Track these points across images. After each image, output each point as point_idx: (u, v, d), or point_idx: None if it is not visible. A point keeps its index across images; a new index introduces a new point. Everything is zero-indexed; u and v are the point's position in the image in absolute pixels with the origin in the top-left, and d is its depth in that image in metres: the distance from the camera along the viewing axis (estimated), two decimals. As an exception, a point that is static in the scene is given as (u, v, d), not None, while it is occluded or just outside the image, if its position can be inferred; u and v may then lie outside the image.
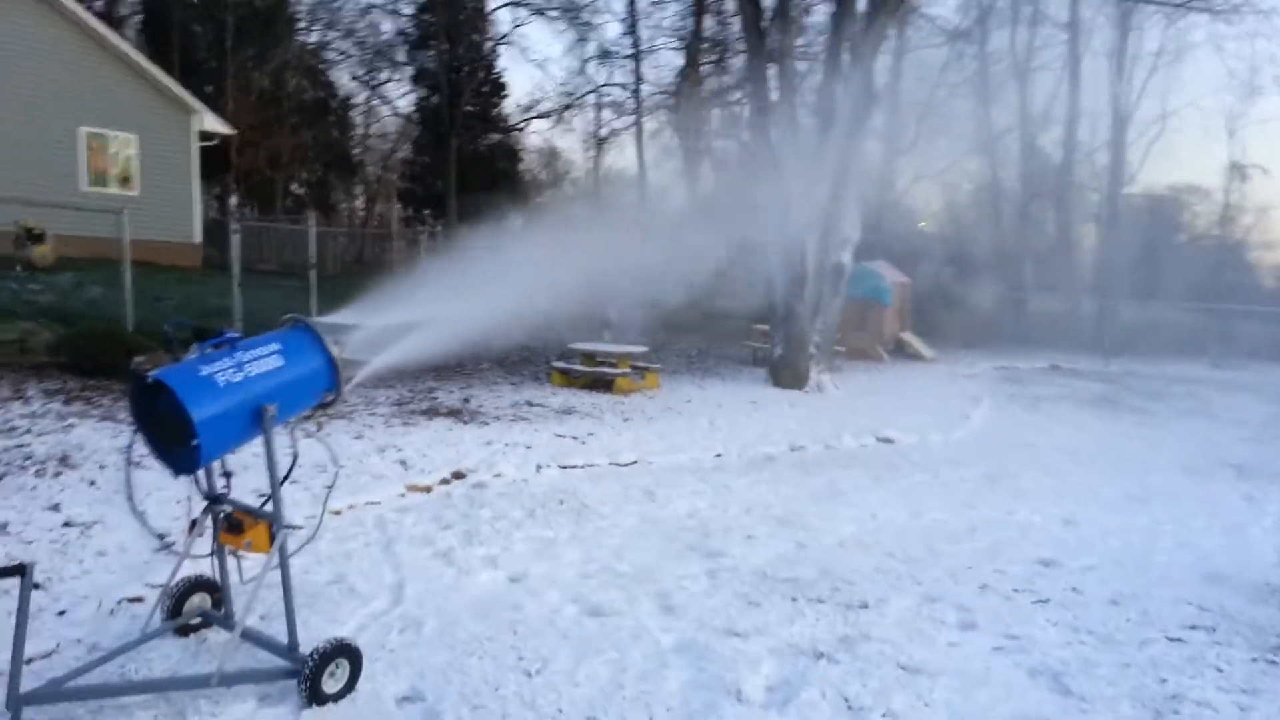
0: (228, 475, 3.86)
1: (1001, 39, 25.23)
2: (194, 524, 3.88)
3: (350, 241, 34.08)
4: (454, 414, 9.82)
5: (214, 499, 3.81)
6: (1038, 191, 26.45)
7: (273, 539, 3.66)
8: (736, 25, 23.49)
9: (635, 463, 8.31)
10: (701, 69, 26.10)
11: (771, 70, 12.94)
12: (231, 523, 3.74)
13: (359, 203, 48.97)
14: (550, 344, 14.78)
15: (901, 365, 18.18)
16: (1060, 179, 26.47)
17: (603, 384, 12.24)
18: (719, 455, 8.89)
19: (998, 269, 24.91)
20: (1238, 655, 4.64)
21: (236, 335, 3.65)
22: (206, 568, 4.31)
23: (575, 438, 9.01)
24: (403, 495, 6.86)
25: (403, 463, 7.63)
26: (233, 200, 33.01)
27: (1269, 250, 30.27)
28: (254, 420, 3.52)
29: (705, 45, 26.13)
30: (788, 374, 13.19)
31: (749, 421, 10.59)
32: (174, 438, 3.37)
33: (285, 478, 3.72)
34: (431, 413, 9.75)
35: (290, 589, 3.73)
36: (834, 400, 12.63)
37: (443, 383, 11.55)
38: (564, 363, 12.76)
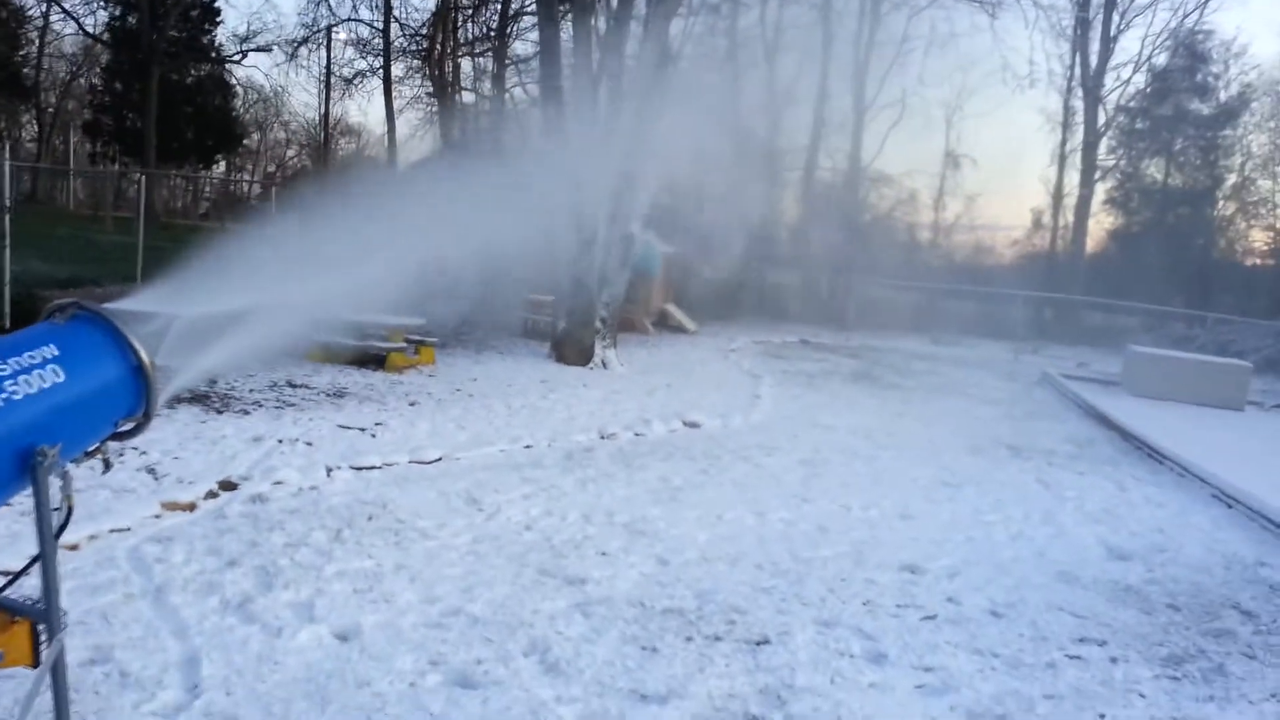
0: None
1: (751, 16, 25.53)
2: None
3: (14, 179, 29.01)
4: (201, 399, 8.16)
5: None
6: (777, 169, 27.26)
7: (39, 648, 2.39)
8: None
9: (440, 459, 7.21)
10: (458, 13, 24.42)
11: (564, 27, 11.99)
12: (-34, 627, 2.39)
13: (27, 133, 42.16)
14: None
15: (669, 338, 17.97)
16: (806, 158, 27.43)
17: (372, 360, 10.85)
18: (529, 447, 7.96)
19: (737, 243, 25.39)
20: (1143, 673, 4.48)
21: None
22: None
23: (363, 429, 7.73)
24: (159, 517, 5.39)
25: (151, 470, 6.10)
26: None
27: (972, 233, 33.26)
28: (19, 469, 2.24)
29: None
30: (572, 349, 12.41)
31: (548, 405, 9.71)
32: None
33: (58, 534, 2.46)
34: (173, 398, 8.02)
35: (67, 711, 2.48)
36: (623, 378, 12.01)
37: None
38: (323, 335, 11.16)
